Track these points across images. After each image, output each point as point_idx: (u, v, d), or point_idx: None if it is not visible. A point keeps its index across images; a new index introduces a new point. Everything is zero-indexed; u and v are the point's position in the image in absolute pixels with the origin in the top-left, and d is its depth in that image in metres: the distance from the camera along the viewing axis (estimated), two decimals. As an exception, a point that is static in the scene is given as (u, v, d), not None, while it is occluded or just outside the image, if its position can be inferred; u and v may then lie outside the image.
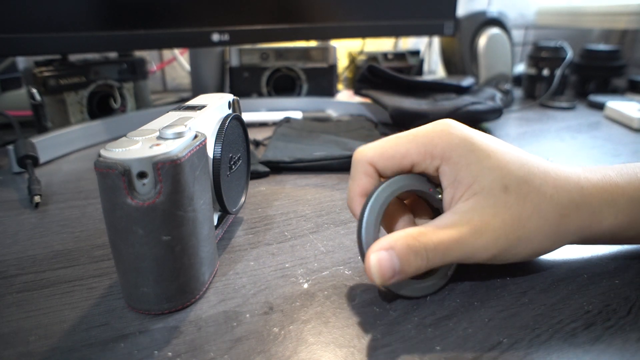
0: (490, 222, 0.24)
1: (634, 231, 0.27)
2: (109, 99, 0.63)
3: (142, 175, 0.22)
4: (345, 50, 0.96)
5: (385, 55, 0.88)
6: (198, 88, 0.74)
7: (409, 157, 0.26)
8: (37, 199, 0.39)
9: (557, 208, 0.25)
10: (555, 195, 0.25)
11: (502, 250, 0.25)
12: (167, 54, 0.90)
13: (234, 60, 0.74)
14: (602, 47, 0.87)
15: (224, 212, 0.32)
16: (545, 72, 0.82)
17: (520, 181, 0.24)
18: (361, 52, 0.90)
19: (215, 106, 0.31)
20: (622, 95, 0.83)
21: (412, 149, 0.26)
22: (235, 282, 0.28)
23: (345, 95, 0.80)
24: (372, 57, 0.88)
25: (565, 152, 0.51)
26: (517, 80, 0.95)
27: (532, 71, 0.84)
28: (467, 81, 0.66)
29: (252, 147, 0.54)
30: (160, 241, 0.23)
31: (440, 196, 0.26)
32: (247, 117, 0.64)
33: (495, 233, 0.24)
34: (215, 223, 0.31)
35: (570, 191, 0.25)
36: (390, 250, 0.23)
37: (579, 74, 0.88)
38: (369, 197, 0.25)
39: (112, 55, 0.65)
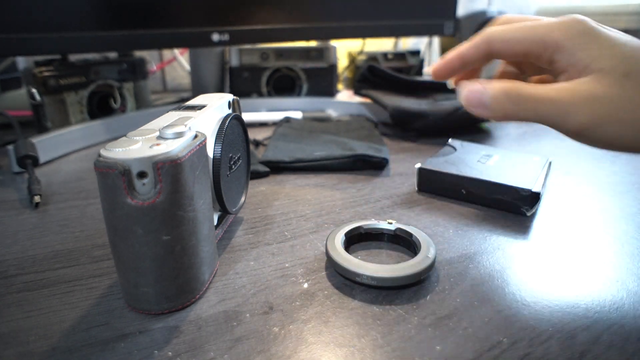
0: (597, 93, 0.23)
1: None
2: (109, 99, 0.63)
3: (142, 175, 0.22)
4: (345, 50, 0.96)
5: (385, 55, 0.88)
6: (198, 88, 0.74)
7: (523, 44, 0.26)
8: (37, 199, 0.39)
9: None
10: None
11: (600, 121, 0.23)
12: (167, 54, 0.90)
13: (234, 60, 0.74)
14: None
15: (224, 212, 0.32)
16: (545, 72, 0.82)
17: None
18: (361, 52, 0.90)
19: (215, 106, 0.31)
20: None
21: (528, 36, 0.26)
22: (235, 282, 0.28)
23: (345, 95, 0.80)
24: (372, 57, 0.88)
25: (565, 152, 0.51)
26: (517, 80, 0.95)
27: (532, 71, 0.84)
28: (467, 81, 0.66)
29: (252, 147, 0.54)
30: (160, 241, 0.23)
31: None
32: (247, 117, 0.64)
33: (598, 103, 0.23)
34: (215, 223, 0.31)
35: None
36: (484, 87, 0.26)
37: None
38: None
39: (112, 55, 0.65)
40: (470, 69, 0.30)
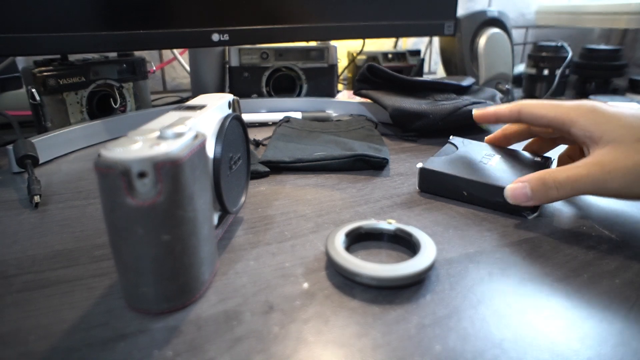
0: (620, 161, 0.29)
1: None
2: (109, 99, 0.63)
3: (142, 175, 0.22)
4: (345, 50, 0.96)
5: (385, 55, 0.88)
6: (198, 88, 0.74)
7: (546, 118, 0.35)
8: (36, 199, 0.39)
9: None
10: None
11: (631, 183, 0.29)
12: (167, 54, 0.90)
13: (234, 60, 0.74)
14: (602, 46, 0.87)
15: (224, 212, 0.32)
16: (546, 72, 0.82)
17: None
18: (361, 52, 0.90)
19: (215, 106, 0.31)
20: (622, 95, 0.83)
21: (550, 114, 0.35)
22: (235, 282, 0.28)
23: (345, 95, 0.80)
24: (372, 57, 0.88)
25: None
26: (518, 80, 0.95)
27: (533, 71, 0.84)
28: (467, 81, 0.66)
29: (252, 147, 0.54)
30: (160, 241, 0.23)
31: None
32: (247, 117, 0.64)
33: (625, 169, 0.29)
34: (215, 223, 0.31)
35: None
36: (524, 183, 0.33)
37: (579, 73, 0.88)
38: None
39: (112, 55, 0.65)
40: (505, 128, 0.43)
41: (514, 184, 0.33)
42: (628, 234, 0.33)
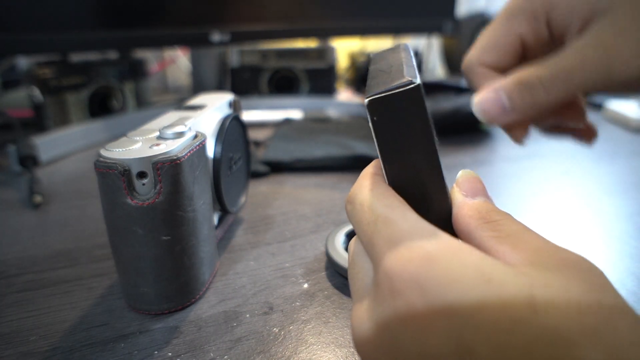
0: (628, 34, 0.19)
1: None
2: (110, 99, 0.63)
3: (141, 175, 0.22)
4: (345, 50, 0.96)
5: (385, 55, 0.88)
6: (198, 88, 0.74)
7: (512, 31, 0.22)
8: (37, 199, 0.39)
9: None
10: None
11: None
12: (167, 54, 0.90)
13: (235, 61, 0.74)
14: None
15: (224, 212, 0.32)
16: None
17: None
18: (361, 53, 0.90)
19: (215, 106, 0.31)
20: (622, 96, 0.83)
21: (510, 22, 0.22)
22: (235, 282, 0.28)
23: (345, 96, 0.80)
24: (373, 57, 0.88)
25: (564, 152, 0.51)
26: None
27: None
28: (467, 81, 0.66)
29: (252, 147, 0.54)
30: (160, 241, 0.23)
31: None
32: (247, 117, 0.64)
33: (638, 43, 0.19)
34: (215, 223, 0.31)
35: None
36: (497, 90, 0.21)
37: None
38: None
39: (113, 55, 0.65)
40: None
41: (483, 92, 0.21)
42: (625, 232, 0.33)
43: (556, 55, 0.20)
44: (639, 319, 0.13)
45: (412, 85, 0.17)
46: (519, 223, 0.17)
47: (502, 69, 0.23)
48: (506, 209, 0.17)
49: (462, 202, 0.18)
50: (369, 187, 0.18)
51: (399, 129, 0.18)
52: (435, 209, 0.18)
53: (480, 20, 0.82)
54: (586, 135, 0.26)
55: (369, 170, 0.20)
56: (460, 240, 0.15)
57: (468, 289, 0.13)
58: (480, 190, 0.18)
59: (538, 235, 0.16)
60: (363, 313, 0.16)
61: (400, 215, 0.16)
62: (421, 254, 0.14)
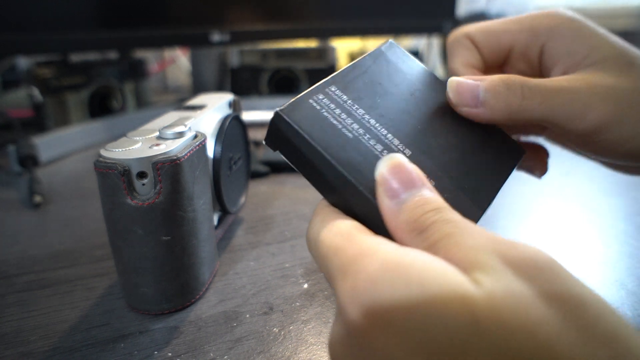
0: (611, 83, 0.20)
1: None
2: (110, 99, 0.63)
3: (141, 175, 0.22)
4: (345, 50, 0.96)
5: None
6: (198, 88, 0.74)
7: (509, 34, 0.24)
8: (37, 198, 0.39)
9: None
10: None
11: (621, 116, 0.20)
12: (167, 54, 0.90)
13: (235, 61, 0.74)
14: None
15: (224, 212, 0.32)
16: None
17: None
18: (361, 52, 0.90)
19: (215, 106, 0.31)
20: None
21: (514, 26, 0.24)
22: (235, 282, 0.28)
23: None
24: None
25: (563, 154, 0.51)
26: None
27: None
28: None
29: (252, 147, 0.54)
30: (160, 241, 0.23)
31: None
32: (247, 117, 0.64)
33: (619, 92, 0.20)
34: (215, 223, 0.31)
35: None
36: (477, 81, 0.21)
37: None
38: None
39: (113, 55, 0.65)
40: None
41: (464, 77, 0.21)
42: (625, 232, 0.33)
43: (548, 79, 0.21)
44: (603, 313, 0.12)
45: (273, 117, 0.18)
46: (454, 219, 0.15)
47: (479, 60, 0.25)
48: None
49: (389, 211, 0.16)
50: (319, 221, 0.18)
51: (292, 152, 0.19)
52: (370, 221, 0.17)
53: (480, 21, 0.82)
54: (539, 170, 0.27)
55: (321, 202, 0.20)
56: (405, 250, 0.14)
57: (411, 311, 0.12)
58: (409, 182, 0.16)
59: (473, 230, 0.14)
60: (333, 335, 0.16)
61: (347, 240, 0.16)
62: (364, 278, 0.14)
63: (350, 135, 0.18)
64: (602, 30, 0.23)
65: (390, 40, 0.23)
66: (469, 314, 0.12)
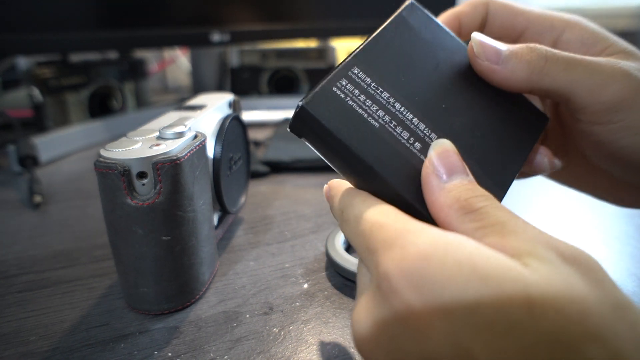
0: (633, 65, 0.20)
1: None
2: (110, 99, 0.63)
3: (141, 175, 0.22)
4: (345, 50, 0.96)
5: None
6: (198, 88, 0.74)
7: (526, 18, 0.23)
8: (37, 198, 0.39)
9: None
10: None
11: (637, 96, 0.20)
12: (167, 54, 0.90)
13: (235, 61, 0.74)
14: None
15: (224, 212, 0.32)
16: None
17: None
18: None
19: (215, 106, 0.31)
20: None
21: (533, 13, 0.23)
22: (235, 282, 0.28)
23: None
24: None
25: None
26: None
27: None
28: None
29: (252, 147, 0.54)
30: (160, 241, 0.23)
31: None
32: (247, 117, 0.64)
33: (635, 71, 0.20)
34: (215, 223, 0.31)
35: None
36: (502, 44, 0.21)
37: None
38: None
39: (113, 55, 0.65)
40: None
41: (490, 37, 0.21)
42: (625, 232, 0.33)
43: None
44: None
45: (297, 109, 0.18)
46: (504, 209, 0.15)
47: (491, 22, 0.25)
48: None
49: (437, 187, 0.16)
50: (360, 201, 0.18)
51: (318, 143, 0.18)
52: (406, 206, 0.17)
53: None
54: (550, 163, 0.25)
55: (344, 186, 0.20)
56: (452, 233, 0.15)
57: (463, 288, 0.13)
58: (457, 167, 0.17)
59: (526, 223, 0.15)
60: (362, 312, 0.16)
61: (392, 218, 0.16)
62: (414, 252, 0.14)
63: (376, 124, 0.18)
64: (612, 36, 0.23)
65: (412, 0, 0.23)
66: (523, 296, 0.12)
